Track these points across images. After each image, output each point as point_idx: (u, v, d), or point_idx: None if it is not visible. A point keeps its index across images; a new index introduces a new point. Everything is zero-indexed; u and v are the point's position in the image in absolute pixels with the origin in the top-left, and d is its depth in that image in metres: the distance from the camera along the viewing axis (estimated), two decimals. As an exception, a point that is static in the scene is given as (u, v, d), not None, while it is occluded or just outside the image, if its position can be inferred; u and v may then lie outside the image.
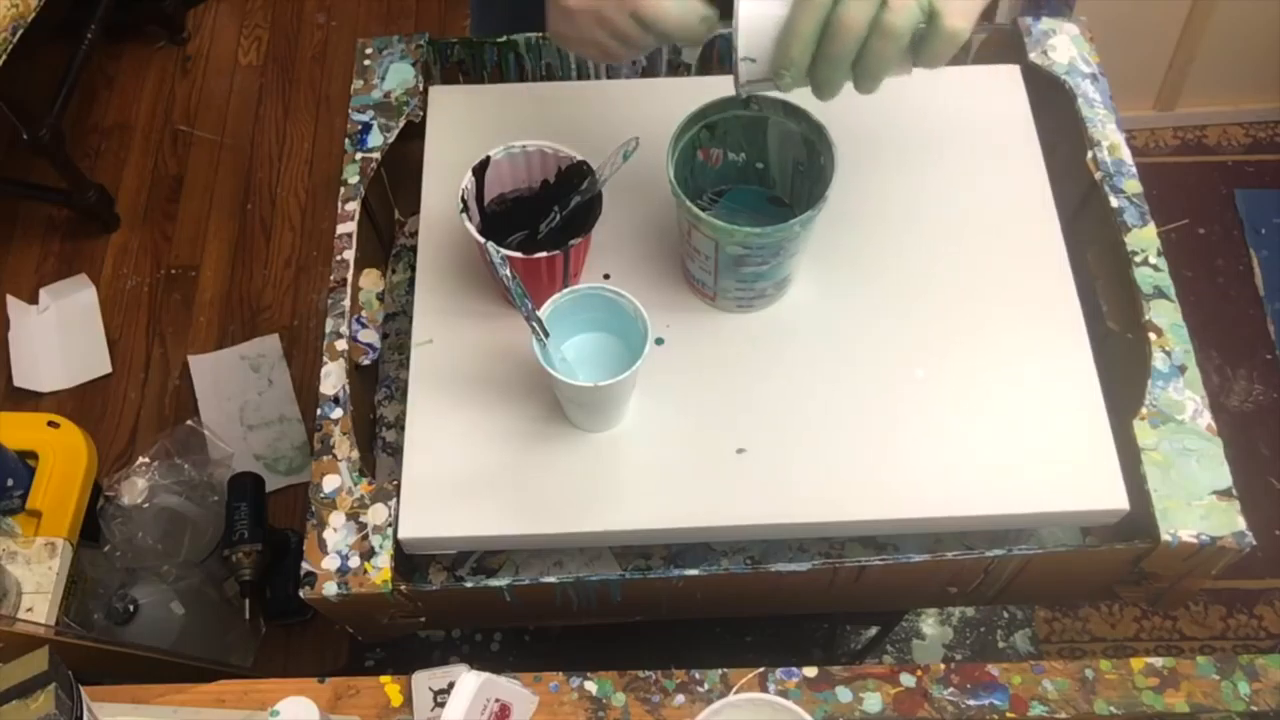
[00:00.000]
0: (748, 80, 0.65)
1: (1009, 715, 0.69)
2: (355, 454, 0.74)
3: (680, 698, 0.70)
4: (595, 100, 0.88)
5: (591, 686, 0.71)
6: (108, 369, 1.76)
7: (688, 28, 0.66)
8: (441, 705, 0.69)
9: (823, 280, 0.80)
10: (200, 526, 1.43)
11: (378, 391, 0.85)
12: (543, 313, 0.69)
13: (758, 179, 0.80)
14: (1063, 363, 0.76)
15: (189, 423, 1.61)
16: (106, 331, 1.80)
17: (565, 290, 0.71)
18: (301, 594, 0.70)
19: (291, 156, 1.99)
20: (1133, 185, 0.82)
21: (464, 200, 0.74)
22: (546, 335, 0.68)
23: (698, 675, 0.70)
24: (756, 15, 0.62)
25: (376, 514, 0.72)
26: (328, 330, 0.78)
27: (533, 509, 0.72)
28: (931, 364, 0.76)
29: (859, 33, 0.60)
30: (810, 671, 0.70)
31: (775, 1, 0.62)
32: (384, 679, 0.72)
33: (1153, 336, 0.76)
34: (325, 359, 0.77)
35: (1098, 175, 0.82)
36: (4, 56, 1.45)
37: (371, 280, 0.84)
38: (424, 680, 0.70)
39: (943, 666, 0.70)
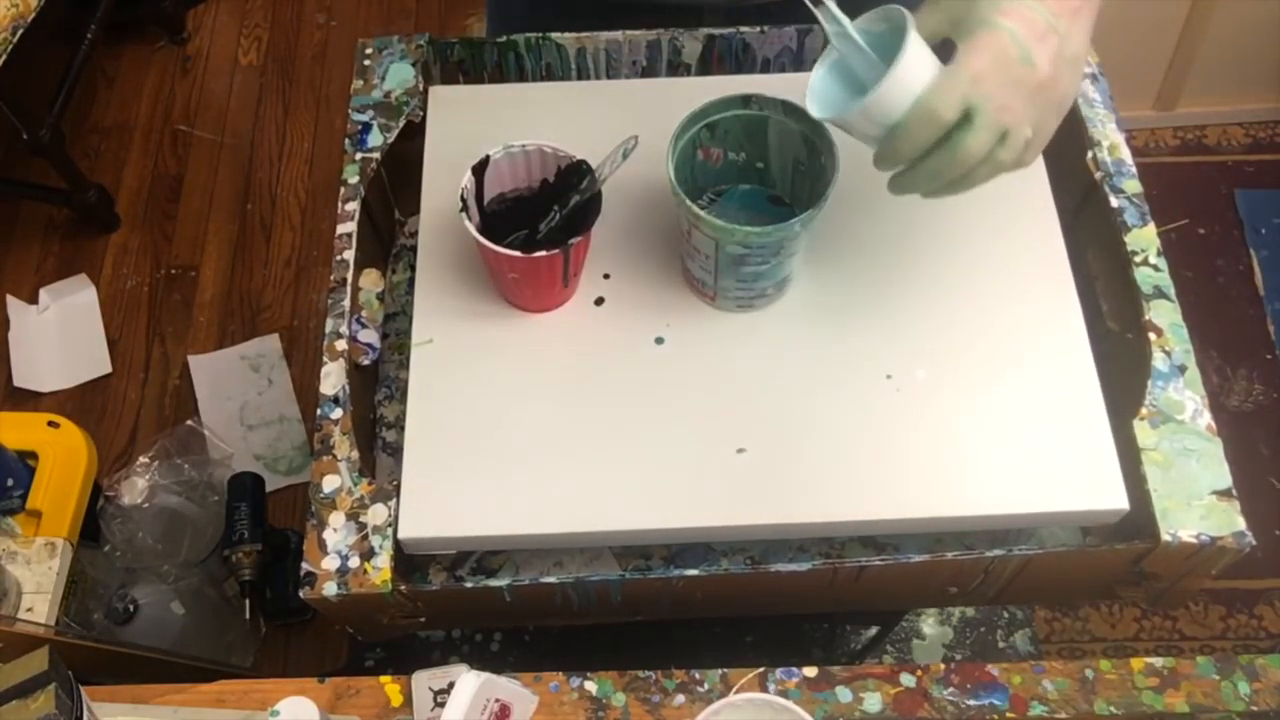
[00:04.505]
0: (838, 120, 0.65)
1: (1009, 715, 0.69)
2: (355, 454, 0.74)
3: (680, 698, 0.70)
4: (595, 100, 0.88)
5: (591, 686, 0.71)
6: (108, 369, 1.76)
7: None
8: (441, 705, 0.69)
9: (823, 280, 0.80)
10: (200, 526, 1.43)
11: (378, 391, 0.85)
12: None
13: (758, 178, 0.80)
14: (1063, 363, 0.76)
15: (189, 423, 1.61)
16: (106, 331, 1.80)
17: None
18: (301, 594, 0.70)
19: (291, 156, 1.99)
20: (1133, 185, 0.82)
21: (464, 200, 0.74)
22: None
23: (698, 675, 0.70)
24: (896, 92, 0.60)
25: (376, 514, 0.72)
26: (328, 330, 0.78)
27: (533, 509, 0.72)
28: (932, 364, 0.76)
29: (972, 162, 0.60)
30: (810, 671, 0.70)
31: (920, 82, 0.60)
32: (384, 679, 0.72)
33: (1153, 336, 0.76)
34: (325, 359, 0.77)
35: (1098, 175, 0.82)
36: (4, 56, 1.45)
37: (371, 280, 0.84)
38: (424, 680, 0.70)
39: (943, 666, 0.70)
